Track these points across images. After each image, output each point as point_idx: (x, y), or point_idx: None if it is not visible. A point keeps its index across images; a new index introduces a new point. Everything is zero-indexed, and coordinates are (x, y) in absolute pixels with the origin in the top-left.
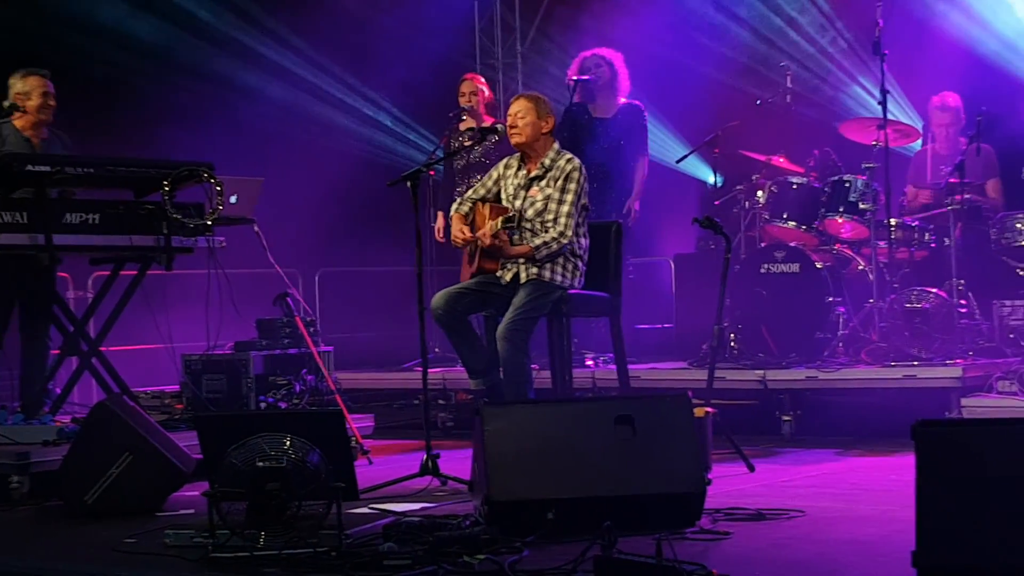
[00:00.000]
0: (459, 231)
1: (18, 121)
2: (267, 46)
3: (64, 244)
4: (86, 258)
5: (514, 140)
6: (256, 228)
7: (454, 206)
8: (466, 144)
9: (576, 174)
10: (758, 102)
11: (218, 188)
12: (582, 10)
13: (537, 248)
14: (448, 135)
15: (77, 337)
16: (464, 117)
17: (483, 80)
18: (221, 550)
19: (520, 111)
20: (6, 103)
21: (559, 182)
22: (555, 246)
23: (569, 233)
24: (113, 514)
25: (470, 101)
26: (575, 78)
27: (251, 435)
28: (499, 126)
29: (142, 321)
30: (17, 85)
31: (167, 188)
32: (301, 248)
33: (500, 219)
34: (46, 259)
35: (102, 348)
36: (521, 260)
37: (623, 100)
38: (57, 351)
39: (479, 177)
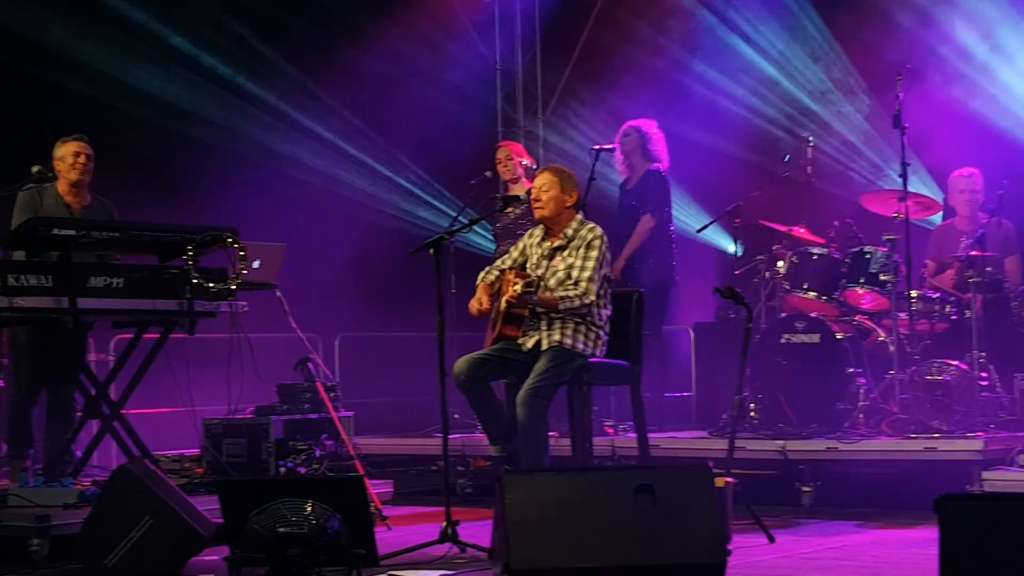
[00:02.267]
0: (476, 301)
1: (60, 186)
2: (293, 110)
3: (88, 308)
4: (108, 321)
5: (537, 214)
6: (278, 293)
7: (482, 274)
8: (497, 211)
9: (598, 242)
10: (786, 157)
11: (241, 253)
12: (603, 81)
13: (562, 299)
14: (473, 202)
15: (99, 400)
16: (504, 189)
17: (519, 145)
18: None
19: (544, 184)
20: (35, 169)
21: (580, 250)
22: (577, 303)
23: (592, 297)
24: None
25: (507, 167)
26: (596, 148)
27: (272, 500)
28: (521, 195)
29: (163, 384)
30: (56, 152)
31: (191, 253)
32: (321, 313)
33: (520, 284)
34: (70, 322)
35: (123, 411)
36: (543, 327)
37: (650, 167)
38: (80, 414)
39: (511, 242)
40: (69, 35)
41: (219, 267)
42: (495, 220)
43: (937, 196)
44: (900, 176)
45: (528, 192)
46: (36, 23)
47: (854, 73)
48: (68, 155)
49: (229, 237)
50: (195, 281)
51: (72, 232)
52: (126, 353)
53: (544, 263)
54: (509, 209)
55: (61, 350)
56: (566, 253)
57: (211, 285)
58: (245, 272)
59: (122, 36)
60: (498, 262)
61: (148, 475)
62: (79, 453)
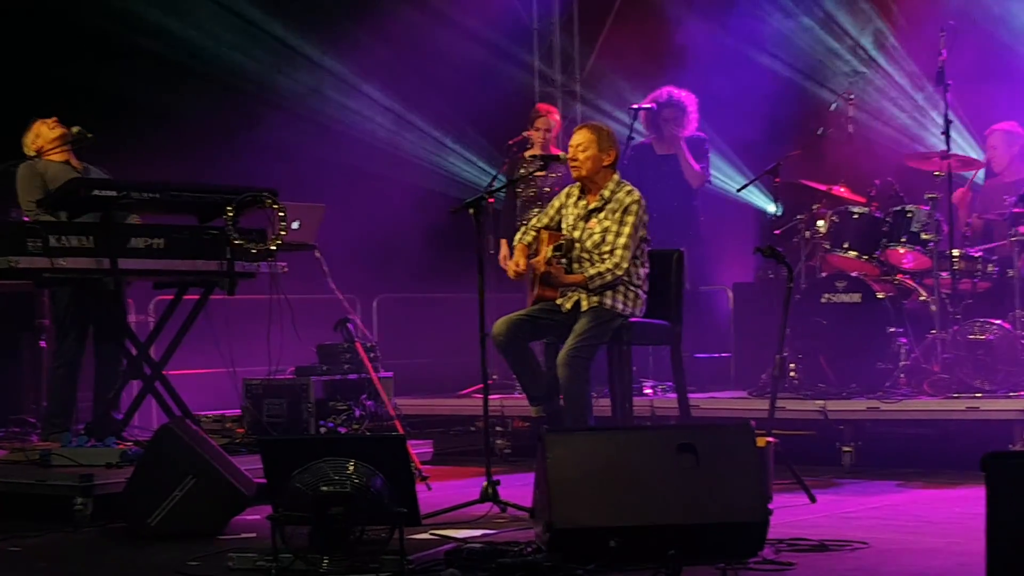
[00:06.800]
0: (514, 263)
1: (55, 156)
2: (333, 69)
3: (129, 268)
4: (148, 282)
5: (574, 172)
6: (317, 254)
7: (518, 235)
8: (534, 172)
9: (635, 207)
10: (820, 131)
11: (281, 214)
12: (640, 39)
13: (591, 278)
14: (510, 162)
15: (140, 361)
16: (530, 145)
17: (556, 112)
18: (284, 574)
19: (582, 143)
20: (75, 129)
21: (617, 214)
22: (609, 277)
23: (625, 265)
24: (176, 537)
25: (545, 138)
26: (635, 107)
27: (315, 459)
28: (562, 154)
29: (204, 345)
30: (45, 137)
31: (231, 214)
32: (360, 274)
33: (551, 247)
34: (111, 283)
35: (164, 372)
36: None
37: (687, 134)
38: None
39: (541, 206)
40: None
41: (259, 228)
42: (524, 186)
43: (979, 154)
44: (943, 134)
45: (557, 155)
46: None
47: (897, 29)
48: (42, 133)
49: (268, 198)
50: (235, 242)
51: (113, 193)
52: (166, 314)
53: (580, 224)
54: (540, 173)
55: (102, 309)
56: (602, 215)
57: (251, 246)
58: (284, 233)
59: None
60: (533, 221)
61: (190, 435)
62: (120, 414)
